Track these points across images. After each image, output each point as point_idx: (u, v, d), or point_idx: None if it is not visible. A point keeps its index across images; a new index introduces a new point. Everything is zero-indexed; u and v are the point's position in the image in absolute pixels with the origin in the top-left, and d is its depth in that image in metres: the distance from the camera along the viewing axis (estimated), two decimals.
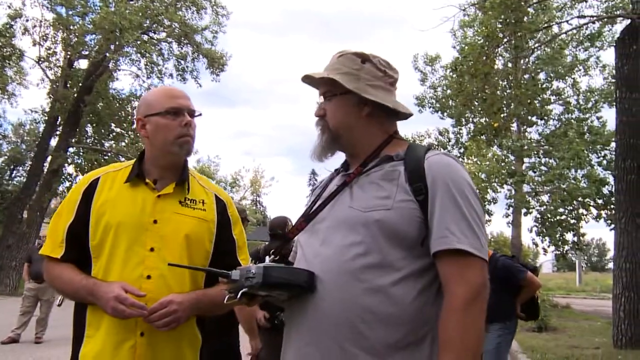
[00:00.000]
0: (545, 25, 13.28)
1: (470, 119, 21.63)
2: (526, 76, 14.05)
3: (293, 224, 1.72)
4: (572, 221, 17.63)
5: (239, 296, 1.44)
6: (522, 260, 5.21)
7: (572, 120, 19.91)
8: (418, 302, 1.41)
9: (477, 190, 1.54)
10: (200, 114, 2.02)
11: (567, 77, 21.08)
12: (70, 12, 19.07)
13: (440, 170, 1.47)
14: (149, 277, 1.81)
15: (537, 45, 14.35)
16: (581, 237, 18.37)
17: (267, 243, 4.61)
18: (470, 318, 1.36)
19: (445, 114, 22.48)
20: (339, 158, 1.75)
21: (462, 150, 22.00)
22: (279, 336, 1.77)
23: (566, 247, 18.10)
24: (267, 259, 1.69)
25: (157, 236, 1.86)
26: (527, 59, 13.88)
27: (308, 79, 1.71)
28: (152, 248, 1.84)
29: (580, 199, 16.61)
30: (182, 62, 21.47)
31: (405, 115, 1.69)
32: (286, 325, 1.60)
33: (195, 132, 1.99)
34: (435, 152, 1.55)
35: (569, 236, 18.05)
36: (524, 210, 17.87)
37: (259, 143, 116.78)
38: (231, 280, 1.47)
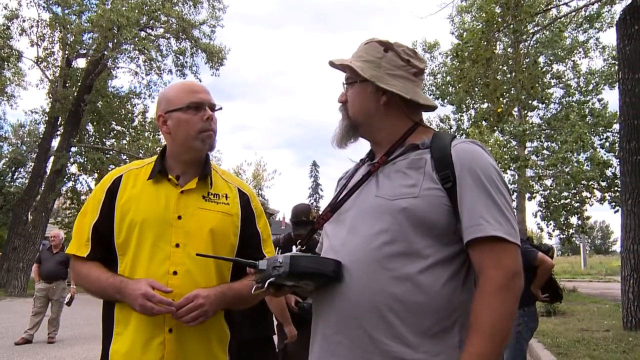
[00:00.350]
0: (545, 8, 13.21)
1: (471, 105, 21.63)
2: (527, 60, 13.95)
3: (319, 214, 1.72)
4: (577, 204, 17.65)
5: (265, 286, 1.45)
6: (536, 243, 5.11)
7: (573, 103, 19.90)
8: (446, 289, 1.41)
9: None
10: (220, 108, 2.01)
11: (567, 60, 20.97)
12: (67, 11, 19.07)
13: (468, 158, 1.46)
14: (175, 273, 1.82)
15: (536, 28, 14.30)
16: (585, 220, 18.39)
17: (286, 233, 4.61)
18: (503, 303, 1.35)
19: (445, 100, 22.45)
20: (362, 147, 1.74)
21: (463, 136, 21.90)
22: (306, 327, 1.79)
23: (571, 231, 18.12)
24: (294, 248, 1.70)
25: (182, 232, 1.86)
26: (527, 43, 13.78)
27: (332, 65, 1.71)
28: (177, 244, 1.85)
29: (584, 182, 16.62)
30: (181, 57, 21.44)
31: (429, 107, 1.69)
32: (314, 314, 1.61)
33: (216, 126, 1.98)
34: (462, 139, 1.54)
35: (574, 220, 18.07)
36: (527, 195, 17.91)
37: (258, 136, 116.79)
38: (258, 270, 1.48)
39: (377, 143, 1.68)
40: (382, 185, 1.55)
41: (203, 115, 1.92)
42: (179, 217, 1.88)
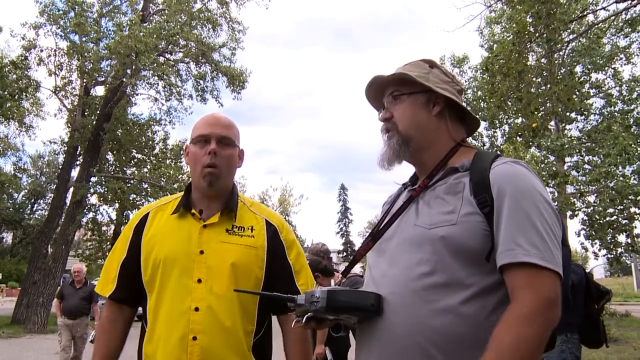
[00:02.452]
0: (580, 14, 13.07)
1: (505, 120, 21.42)
2: (562, 70, 13.80)
3: (360, 246, 1.76)
4: (624, 221, 17.19)
5: (304, 320, 1.49)
6: (599, 285, 4.78)
7: (616, 113, 19.48)
8: (492, 320, 1.37)
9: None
10: (233, 142, 2.03)
11: (606, 68, 20.64)
12: (84, 39, 19.55)
13: (506, 180, 1.45)
14: (197, 309, 1.86)
15: (572, 36, 14.15)
16: (635, 238, 17.88)
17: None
18: (530, 329, 1.30)
19: (477, 116, 22.16)
20: (404, 171, 1.76)
21: (497, 153, 21.65)
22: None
23: (619, 250, 17.64)
24: (332, 282, 1.73)
25: (204, 267, 1.91)
26: (562, 53, 13.63)
27: (376, 80, 1.72)
28: (199, 279, 1.90)
29: (631, 197, 16.19)
30: (201, 82, 21.70)
31: (473, 126, 1.73)
32: (356, 348, 1.64)
33: (226, 161, 1.99)
34: (503, 160, 1.53)
35: (622, 238, 17.60)
36: (569, 213, 17.44)
37: (282, 160, 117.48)
38: (297, 304, 1.51)
39: (422, 164, 1.69)
40: (422, 212, 1.56)
41: (207, 149, 1.96)
42: (201, 252, 1.93)
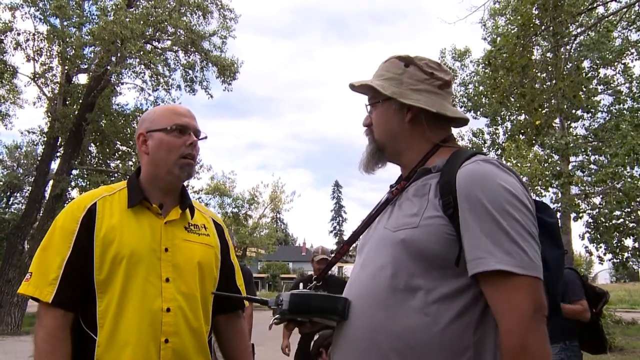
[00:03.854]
0: (589, 6, 12.97)
1: (507, 117, 21.43)
2: (569, 66, 13.71)
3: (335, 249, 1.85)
4: (631, 225, 17.17)
5: (272, 322, 1.61)
6: (595, 287, 4.77)
7: (625, 111, 19.40)
8: (456, 326, 1.39)
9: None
10: (205, 137, 2.07)
11: (616, 63, 20.55)
12: (66, 23, 19.29)
13: (471, 180, 1.44)
14: (168, 310, 1.86)
15: (579, 30, 14.07)
16: None
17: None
18: (531, 354, 1.30)
19: (478, 112, 22.47)
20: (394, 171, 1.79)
21: (499, 151, 21.75)
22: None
23: (626, 254, 17.64)
24: (301, 285, 1.89)
25: (170, 265, 1.91)
26: (568, 47, 13.55)
27: (352, 88, 1.77)
28: (167, 278, 1.89)
29: (639, 199, 16.17)
30: (190, 71, 21.52)
31: (459, 120, 1.73)
32: (330, 353, 1.69)
33: (198, 154, 2.05)
34: (475, 159, 1.51)
35: (629, 242, 17.59)
36: (573, 215, 17.43)
37: (273, 155, 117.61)
38: (269, 307, 1.61)
39: (404, 166, 1.72)
40: (393, 215, 1.59)
41: (187, 140, 1.98)
42: (166, 250, 1.92)
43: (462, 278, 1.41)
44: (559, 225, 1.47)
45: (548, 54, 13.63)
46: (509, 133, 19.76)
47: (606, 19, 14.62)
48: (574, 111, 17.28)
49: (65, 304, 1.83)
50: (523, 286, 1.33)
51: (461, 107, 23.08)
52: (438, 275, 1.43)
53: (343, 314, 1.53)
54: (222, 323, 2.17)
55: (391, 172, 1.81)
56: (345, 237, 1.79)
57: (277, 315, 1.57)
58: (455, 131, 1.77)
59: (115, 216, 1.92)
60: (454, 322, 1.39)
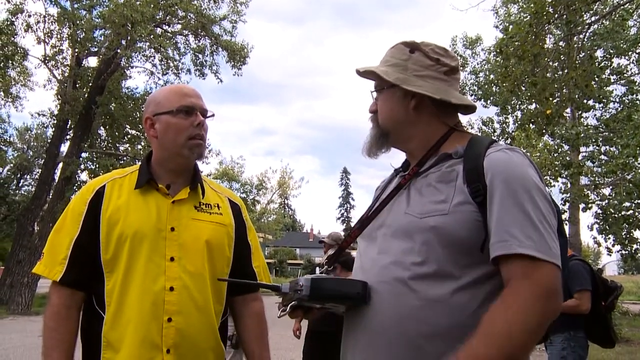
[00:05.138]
0: None
1: (518, 106, 21.28)
2: (581, 55, 13.58)
3: (346, 233, 1.84)
4: None
5: (288, 309, 1.55)
6: (607, 280, 4.72)
7: (637, 102, 19.30)
8: (482, 311, 1.38)
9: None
10: (212, 115, 2.06)
11: (630, 53, 20.31)
12: (76, 6, 19.38)
13: (500, 168, 1.45)
14: (172, 289, 1.86)
15: (594, 18, 13.92)
16: None
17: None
18: (523, 317, 1.30)
19: (489, 101, 22.26)
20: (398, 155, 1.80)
21: (508, 140, 21.61)
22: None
23: (635, 246, 17.60)
24: (318, 270, 1.78)
25: (176, 244, 1.91)
26: (582, 36, 13.41)
27: (358, 73, 1.77)
28: (172, 257, 1.89)
29: None
30: (200, 56, 21.52)
31: (465, 107, 1.71)
32: (343, 336, 1.67)
33: (207, 134, 2.03)
34: (499, 146, 1.54)
35: (638, 233, 17.56)
36: (582, 206, 17.39)
37: (281, 141, 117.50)
38: (281, 293, 1.59)
39: (410, 152, 1.73)
40: (413, 200, 1.58)
41: (194, 121, 1.96)
42: (172, 229, 1.92)
43: (488, 265, 1.43)
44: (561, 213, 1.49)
45: (561, 43, 13.52)
46: (519, 122, 19.60)
47: (622, 7, 14.47)
48: (585, 101, 17.02)
49: (73, 283, 1.89)
50: (544, 269, 1.34)
51: (471, 95, 22.91)
52: (466, 262, 1.45)
53: (364, 299, 1.52)
54: (239, 304, 2.13)
55: (398, 158, 1.82)
56: (354, 224, 1.78)
57: (293, 302, 1.53)
58: (464, 119, 1.82)
59: (122, 197, 1.94)
60: (481, 307, 1.40)
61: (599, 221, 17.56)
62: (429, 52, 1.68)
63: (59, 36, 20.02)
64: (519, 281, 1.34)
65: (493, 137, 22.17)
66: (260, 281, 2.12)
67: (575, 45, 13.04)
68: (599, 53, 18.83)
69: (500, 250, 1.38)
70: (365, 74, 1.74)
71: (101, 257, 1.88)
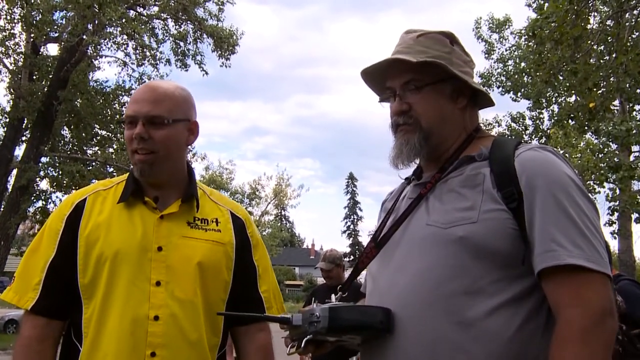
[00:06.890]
0: None
1: (554, 99, 21.62)
2: (634, 36, 13.30)
3: (360, 254, 1.85)
4: None
5: (302, 344, 1.57)
6: None
7: None
8: (522, 334, 1.43)
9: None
10: (168, 121, 1.96)
11: None
12: None
13: (536, 169, 1.50)
14: (156, 317, 1.86)
15: None
16: None
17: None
18: (589, 351, 1.33)
19: (519, 94, 22.70)
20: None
21: (543, 140, 21.73)
22: None
23: None
24: (333, 297, 1.77)
25: (163, 266, 1.92)
26: (635, 12, 13.12)
27: (398, 64, 1.69)
28: (158, 282, 1.89)
29: None
30: (182, 43, 21.47)
31: (484, 105, 1.80)
32: None
33: (162, 144, 1.95)
34: (528, 146, 1.59)
35: None
36: (635, 216, 17.17)
37: (275, 143, 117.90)
38: (292, 326, 1.61)
39: (438, 157, 1.74)
40: (433, 209, 1.62)
41: (132, 133, 1.94)
42: (159, 249, 1.93)
43: (527, 279, 1.47)
44: None
45: (608, 22, 13.38)
46: (556, 118, 19.65)
47: None
48: (638, 91, 16.82)
49: (47, 312, 1.91)
50: (595, 283, 1.39)
51: (498, 87, 23.12)
52: (502, 277, 1.47)
53: (387, 327, 1.54)
54: (241, 336, 2.14)
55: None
56: (361, 238, 1.64)
57: (308, 336, 1.55)
58: (491, 116, 1.87)
59: (104, 213, 1.97)
60: (521, 329, 1.43)
61: None
62: (463, 46, 1.77)
63: (9, 17, 19.66)
64: (569, 308, 1.37)
65: (524, 136, 22.34)
66: (270, 308, 2.13)
67: (627, 24, 12.88)
68: None
69: (547, 261, 1.41)
70: (402, 66, 1.68)
71: (78, 281, 1.91)
